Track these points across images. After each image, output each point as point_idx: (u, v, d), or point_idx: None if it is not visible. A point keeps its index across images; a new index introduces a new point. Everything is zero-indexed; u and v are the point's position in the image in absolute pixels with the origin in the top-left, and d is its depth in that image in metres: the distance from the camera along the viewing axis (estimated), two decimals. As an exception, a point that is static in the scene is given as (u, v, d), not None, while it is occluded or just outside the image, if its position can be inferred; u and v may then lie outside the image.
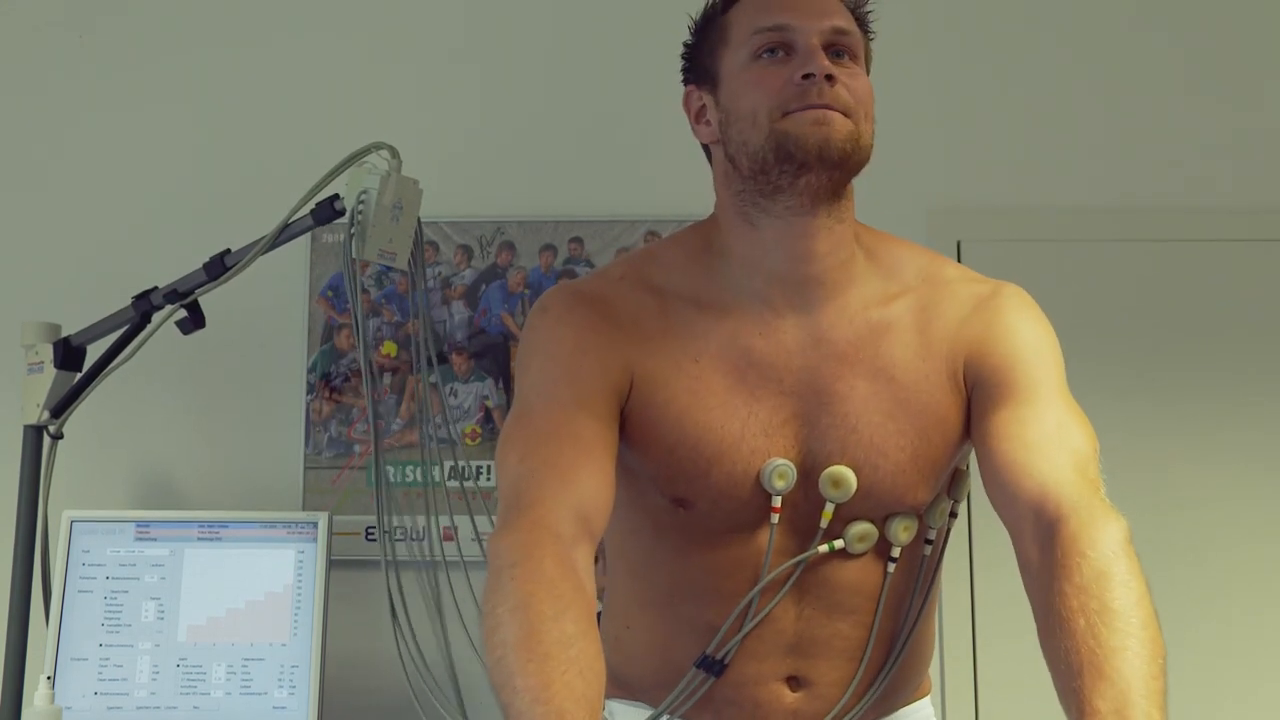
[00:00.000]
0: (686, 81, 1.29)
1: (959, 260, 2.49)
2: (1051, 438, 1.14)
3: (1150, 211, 2.56)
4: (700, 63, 1.26)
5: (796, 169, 1.16)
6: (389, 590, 1.61)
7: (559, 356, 1.20)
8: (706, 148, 1.29)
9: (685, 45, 1.29)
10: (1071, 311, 2.50)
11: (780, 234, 1.20)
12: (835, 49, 1.19)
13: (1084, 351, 2.46)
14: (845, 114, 1.16)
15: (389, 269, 2.44)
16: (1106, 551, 1.02)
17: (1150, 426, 2.48)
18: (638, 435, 1.21)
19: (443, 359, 2.47)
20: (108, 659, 2.12)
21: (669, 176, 2.49)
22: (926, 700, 1.36)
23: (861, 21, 1.25)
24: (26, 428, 2.08)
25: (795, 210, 1.19)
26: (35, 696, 1.95)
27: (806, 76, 1.15)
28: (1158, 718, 0.94)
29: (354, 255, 1.59)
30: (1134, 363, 2.50)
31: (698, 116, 1.26)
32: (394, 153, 1.68)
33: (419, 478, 2.45)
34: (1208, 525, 2.46)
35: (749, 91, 1.18)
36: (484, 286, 2.51)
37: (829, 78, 1.15)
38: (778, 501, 1.19)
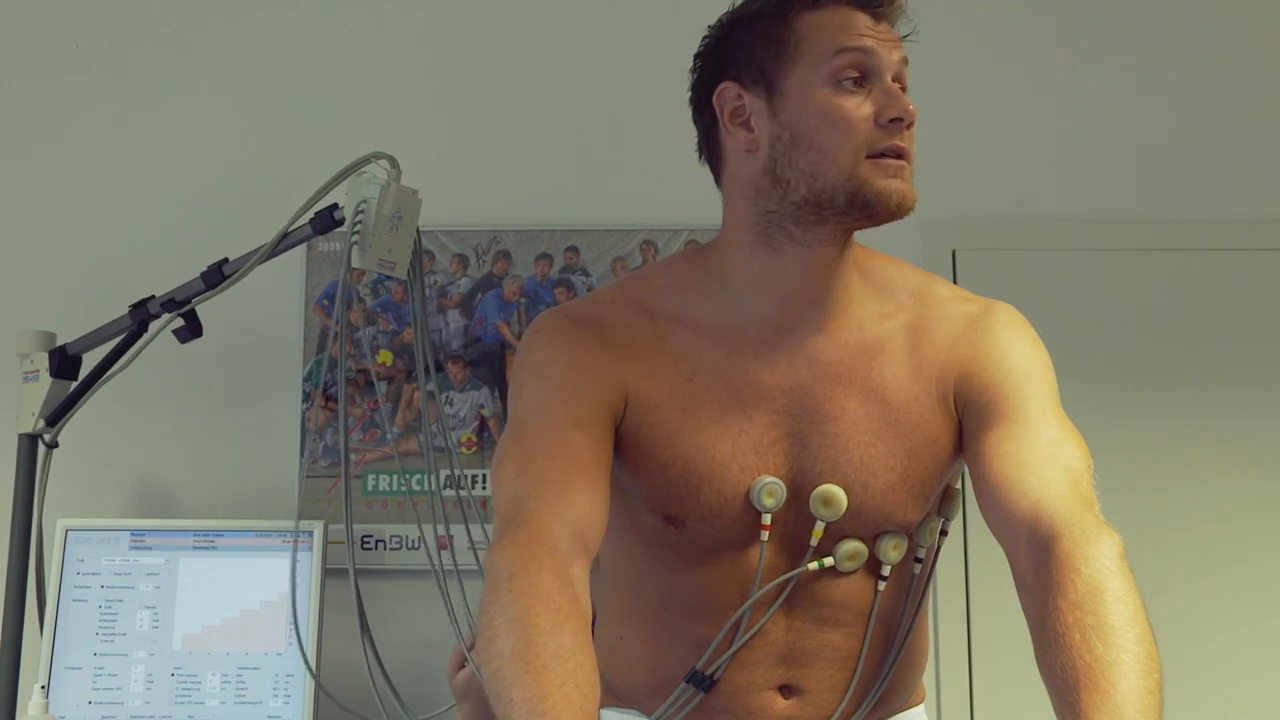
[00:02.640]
0: (720, 75, 1.23)
1: (955, 271, 2.53)
2: (1044, 455, 1.14)
3: (1147, 222, 2.57)
4: (754, 63, 1.20)
5: (865, 217, 1.17)
6: (358, 600, 1.60)
7: (554, 375, 1.20)
8: (716, 148, 1.25)
9: (720, 34, 1.24)
10: (1068, 322, 2.52)
11: (803, 262, 1.21)
12: (899, 83, 1.20)
13: (1081, 362, 2.50)
14: (909, 161, 1.18)
15: (386, 278, 2.44)
16: (1101, 567, 1.02)
17: (1148, 438, 2.48)
18: (631, 454, 1.21)
19: (439, 367, 2.47)
20: (102, 668, 2.11)
21: (665, 186, 2.50)
22: (921, 709, 1.37)
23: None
24: (21, 436, 2.07)
25: (826, 242, 1.20)
26: (29, 706, 1.94)
27: (895, 120, 1.16)
28: None
29: (354, 264, 1.59)
30: (1132, 373, 2.51)
31: (733, 116, 1.21)
32: (393, 162, 1.68)
33: (414, 486, 2.45)
34: (1208, 539, 2.46)
35: (832, 126, 1.16)
36: (480, 295, 2.51)
37: (909, 123, 1.17)
38: (767, 519, 1.20)
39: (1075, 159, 2.60)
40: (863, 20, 1.18)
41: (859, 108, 1.16)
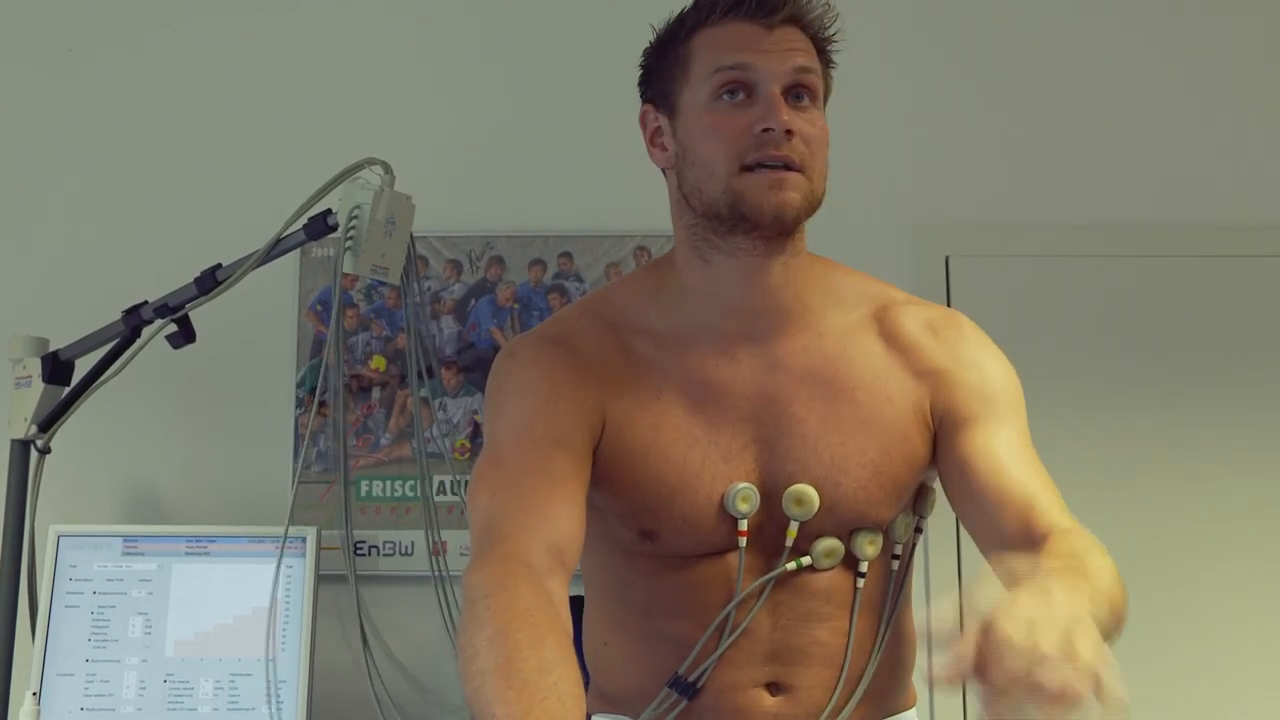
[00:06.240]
0: (645, 98, 1.28)
1: (947, 277, 2.53)
2: (1026, 469, 1.19)
3: (1137, 228, 2.58)
4: (659, 85, 1.25)
5: (750, 227, 1.18)
6: (358, 608, 1.60)
7: (536, 395, 1.21)
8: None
9: (643, 61, 1.28)
10: (1059, 327, 2.53)
11: (733, 271, 1.22)
12: (795, 91, 1.19)
13: (1076, 366, 2.50)
14: (801, 168, 1.17)
15: (380, 283, 2.44)
16: (1084, 545, 1.07)
17: (1139, 442, 2.48)
18: (604, 474, 1.22)
19: (432, 373, 2.47)
20: (94, 674, 2.11)
21: (658, 191, 2.49)
22: (913, 713, 1.37)
23: (824, 52, 1.23)
24: (14, 442, 2.07)
25: (748, 252, 1.21)
26: (21, 712, 1.94)
27: (766, 130, 1.15)
28: (1090, 600, 0.95)
29: (347, 270, 1.60)
30: (1122, 379, 2.51)
31: (653, 138, 1.27)
32: (387, 168, 1.69)
33: (407, 492, 2.45)
34: (1200, 543, 2.46)
35: (707, 139, 1.18)
36: (473, 301, 2.52)
37: (787, 131, 1.15)
38: (744, 525, 1.21)
39: (1067, 164, 2.60)
40: (750, 34, 1.18)
41: (734, 121, 1.17)
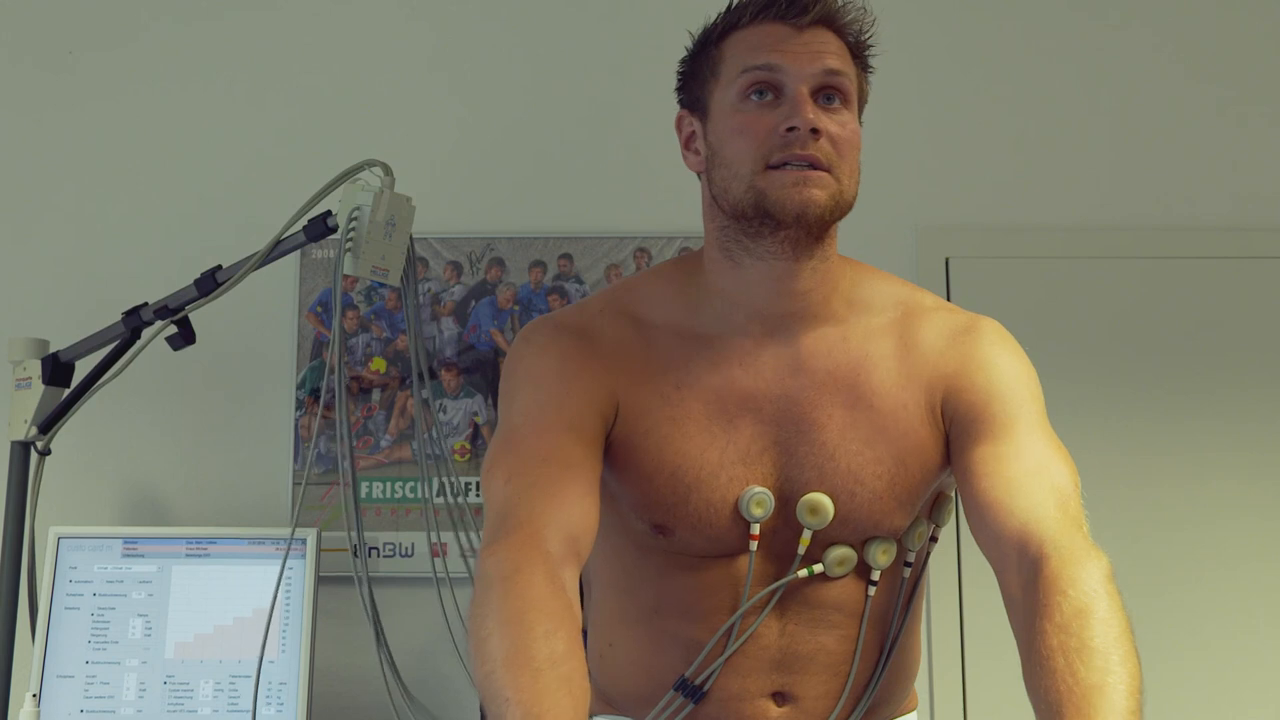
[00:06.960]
0: (681, 103, 1.29)
1: (948, 278, 2.53)
2: (1032, 474, 1.15)
3: (1140, 229, 2.58)
4: (693, 89, 1.26)
5: (775, 226, 1.17)
6: (367, 608, 1.60)
7: (546, 383, 1.21)
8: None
9: (680, 68, 1.29)
10: (1060, 330, 2.53)
11: (762, 275, 1.22)
12: (826, 93, 1.19)
13: (1073, 370, 2.51)
14: (829, 169, 1.16)
15: (380, 285, 2.44)
16: (1087, 589, 1.03)
17: (1141, 444, 2.48)
18: (619, 463, 1.22)
19: (432, 375, 2.47)
20: (94, 676, 2.11)
21: (659, 193, 2.50)
22: (914, 715, 1.37)
23: (859, 56, 1.23)
24: (14, 443, 2.07)
25: (777, 255, 1.20)
26: (20, 714, 1.95)
27: (791, 129, 1.15)
28: None
29: (347, 271, 1.59)
30: (1124, 381, 2.52)
31: (688, 142, 1.27)
32: (387, 169, 1.69)
33: (407, 494, 2.45)
34: (1201, 544, 2.46)
35: (733, 138, 1.18)
36: (474, 303, 2.52)
37: (814, 131, 1.15)
38: (756, 529, 1.21)
39: (1069, 166, 2.60)
40: (779, 35, 1.19)
41: (761, 121, 1.17)
